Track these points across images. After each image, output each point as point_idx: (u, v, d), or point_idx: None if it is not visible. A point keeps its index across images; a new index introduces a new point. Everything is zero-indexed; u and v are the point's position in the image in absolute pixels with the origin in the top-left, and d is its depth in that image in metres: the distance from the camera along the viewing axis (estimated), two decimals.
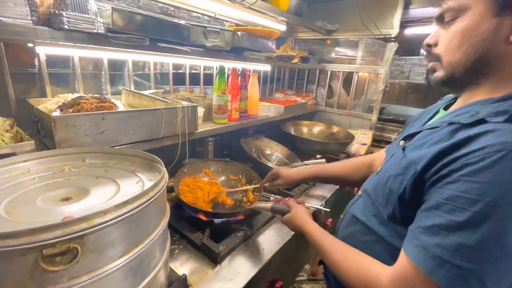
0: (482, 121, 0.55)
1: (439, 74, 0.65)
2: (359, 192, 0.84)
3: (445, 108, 0.74)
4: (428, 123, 0.72)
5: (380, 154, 1.03)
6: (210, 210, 1.11)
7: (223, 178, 1.39)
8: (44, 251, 0.43)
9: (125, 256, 0.54)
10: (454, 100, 0.73)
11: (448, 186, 0.52)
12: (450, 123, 0.59)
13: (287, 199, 1.00)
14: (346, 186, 1.66)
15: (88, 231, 0.47)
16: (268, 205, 0.98)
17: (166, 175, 0.67)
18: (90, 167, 0.80)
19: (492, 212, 0.47)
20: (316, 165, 1.15)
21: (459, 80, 0.63)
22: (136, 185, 0.70)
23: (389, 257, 0.63)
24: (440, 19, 0.64)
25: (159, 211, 0.65)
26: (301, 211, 0.89)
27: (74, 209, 0.58)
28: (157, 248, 0.65)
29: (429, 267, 0.51)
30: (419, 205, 0.58)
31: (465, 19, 0.59)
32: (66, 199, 0.63)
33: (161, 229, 0.64)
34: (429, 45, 0.67)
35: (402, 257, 0.57)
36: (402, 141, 0.72)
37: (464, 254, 0.48)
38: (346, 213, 0.84)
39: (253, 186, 1.25)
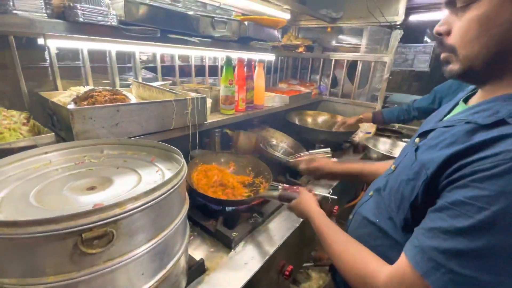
0: (501, 122, 0.49)
1: (455, 67, 0.57)
2: (370, 192, 0.80)
3: (465, 100, 0.67)
4: (445, 118, 0.66)
5: None
6: (223, 198, 1.15)
7: (232, 169, 1.43)
8: (83, 235, 0.45)
9: (153, 240, 0.57)
10: (476, 90, 0.65)
11: (456, 190, 0.49)
12: (467, 122, 0.54)
13: (295, 187, 1.03)
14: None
15: (121, 216, 0.49)
16: (276, 193, 1.01)
17: (186, 165, 0.69)
18: (108, 158, 0.82)
19: (497, 222, 0.44)
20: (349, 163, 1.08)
21: (479, 73, 0.55)
22: (156, 174, 0.72)
23: None
24: (451, 4, 0.56)
25: (181, 198, 0.67)
26: (308, 198, 0.90)
27: (101, 198, 0.61)
28: (179, 233, 0.68)
29: (424, 268, 0.50)
30: None
31: (482, 6, 0.51)
32: (91, 188, 0.65)
33: (183, 215, 0.67)
34: (439, 34, 0.58)
35: (402, 256, 0.55)
36: (418, 138, 0.67)
37: (462, 261, 0.46)
38: (355, 213, 0.81)
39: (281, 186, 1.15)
